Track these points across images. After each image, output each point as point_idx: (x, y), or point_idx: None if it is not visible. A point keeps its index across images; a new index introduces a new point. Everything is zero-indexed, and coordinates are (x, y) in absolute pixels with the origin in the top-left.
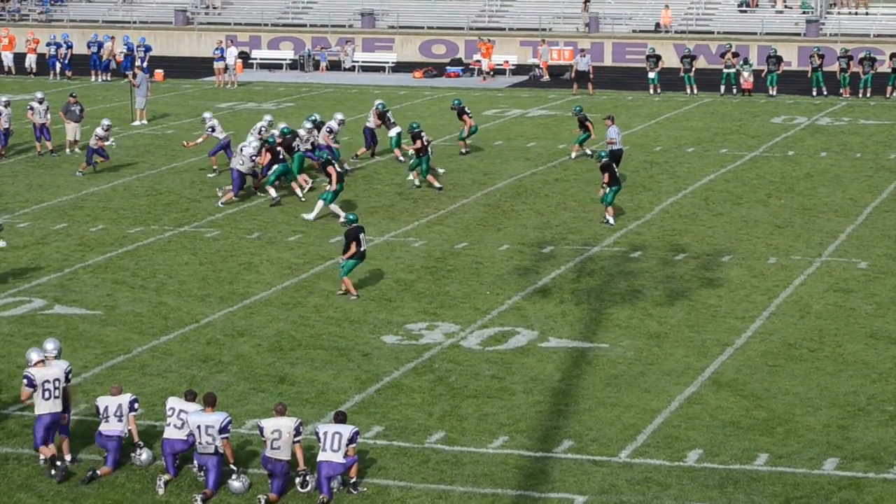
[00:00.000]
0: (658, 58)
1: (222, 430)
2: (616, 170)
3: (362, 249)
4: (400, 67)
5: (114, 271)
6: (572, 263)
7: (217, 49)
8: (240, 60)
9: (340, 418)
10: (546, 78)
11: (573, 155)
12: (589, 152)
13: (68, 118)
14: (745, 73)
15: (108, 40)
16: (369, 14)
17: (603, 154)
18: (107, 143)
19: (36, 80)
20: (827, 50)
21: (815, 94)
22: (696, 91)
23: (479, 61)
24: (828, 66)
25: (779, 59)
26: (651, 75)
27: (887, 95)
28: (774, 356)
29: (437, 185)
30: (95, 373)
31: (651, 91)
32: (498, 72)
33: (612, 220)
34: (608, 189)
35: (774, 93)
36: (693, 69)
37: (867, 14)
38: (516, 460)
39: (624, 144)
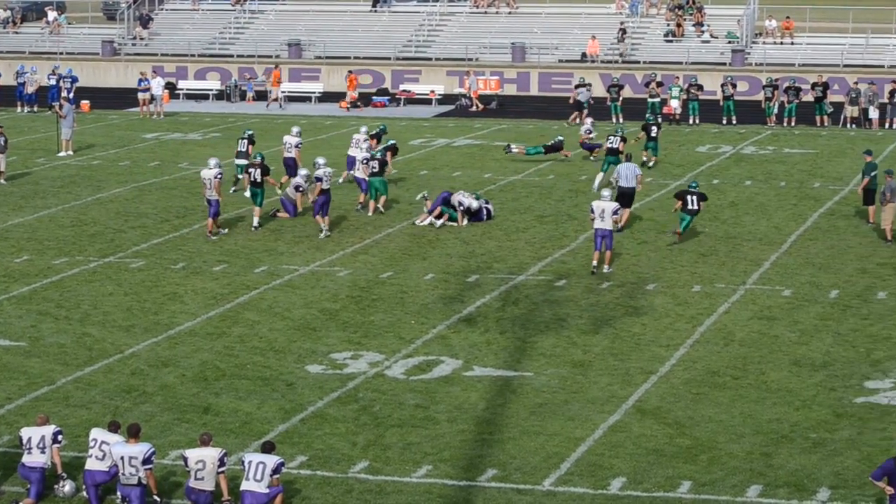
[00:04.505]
0: (588, 86)
1: (146, 461)
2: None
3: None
4: (326, 97)
5: (38, 302)
6: (497, 292)
7: (143, 80)
8: (166, 91)
9: (268, 448)
10: (475, 108)
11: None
12: None
13: None
14: (674, 101)
15: (35, 72)
16: (296, 44)
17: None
18: None
19: None
20: (752, 79)
21: (724, 122)
22: (621, 120)
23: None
24: (753, 96)
25: (699, 87)
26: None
27: (818, 124)
28: (698, 384)
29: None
30: (19, 404)
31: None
32: (423, 101)
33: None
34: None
35: (697, 121)
36: (620, 98)
37: (792, 44)
38: (440, 489)
39: (549, 174)
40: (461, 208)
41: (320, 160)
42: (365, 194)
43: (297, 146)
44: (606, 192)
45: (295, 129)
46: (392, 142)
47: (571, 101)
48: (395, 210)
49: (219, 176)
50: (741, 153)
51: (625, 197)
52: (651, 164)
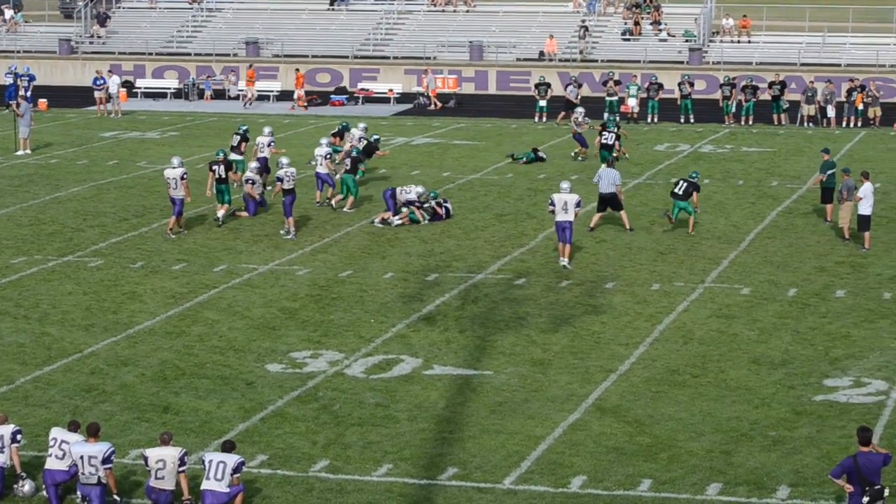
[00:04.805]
0: (548, 86)
1: (105, 460)
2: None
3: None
4: (284, 96)
5: None
6: (457, 291)
7: (99, 79)
8: (123, 89)
9: (228, 447)
10: (433, 106)
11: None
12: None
13: None
14: (632, 99)
15: None
16: (254, 43)
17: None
18: None
19: None
20: (710, 78)
21: (682, 120)
22: None
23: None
24: (711, 94)
25: (660, 86)
26: (542, 103)
27: (776, 123)
28: (658, 382)
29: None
30: None
31: (536, 119)
32: (381, 100)
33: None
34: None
35: (656, 120)
36: (578, 97)
37: (749, 42)
38: (401, 488)
39: (507, 173)
40: (416, 205)
41: (284, 160)
42: (326, 189)
43: (269, 145)
44: (566, 185)
45: (267, 129)
46: (375, 137)
47: (569, 101)
48: (354, 209)
49: (184, 175)
50: (699, 151)
51: (606, 202)
52: (625, 155)
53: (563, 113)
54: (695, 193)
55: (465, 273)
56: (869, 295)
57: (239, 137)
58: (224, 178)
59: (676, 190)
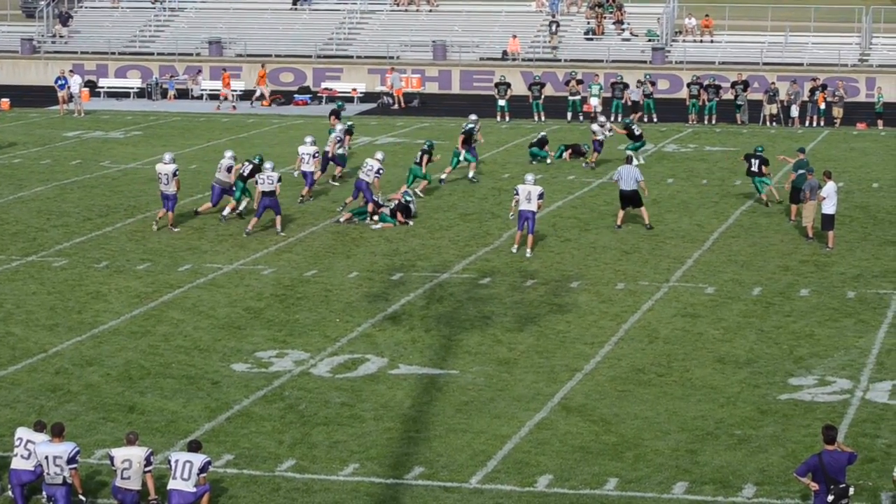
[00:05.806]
0: (508, 85)
1: (70, 460)
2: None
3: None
4: (248, 95)
5: None
6: (422, 290)
7: (61, 79)
8: (86, 89)
9: (194, 447)
10: (397, 106)
11: None
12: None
13: None
14: (594, 98)
15: None
16: (216, 42)
17: None
18: None
19: None
20: (673, 77)
21: (645, 120)
22: (543, 118)
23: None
24: (675, 94)
25: (625, 86)
26: (501, 102)
27: (738, 122)
28: (623, 381)
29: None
30: None
31: (499, 118)
32: (345, 99)
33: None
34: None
35: (619, 119)
36: (542, 96)
37: (712, 42)
38: (367, 487)
39: (470, 172)
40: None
41: (268, 165)
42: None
43: (313, 155)
44: (530, 177)
45: (308, 139)
46: (472, 126)
47: (627, 102)
48: (319, 208)
49: (176, 172)
50: (663, 151)
51: (627, 200)
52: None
53: (637, 114)
54: (764, 166)
55: (430, 272)
56: (833, 294)
57: (344, 131)
58: (246, 177)
59: (753, 168)
